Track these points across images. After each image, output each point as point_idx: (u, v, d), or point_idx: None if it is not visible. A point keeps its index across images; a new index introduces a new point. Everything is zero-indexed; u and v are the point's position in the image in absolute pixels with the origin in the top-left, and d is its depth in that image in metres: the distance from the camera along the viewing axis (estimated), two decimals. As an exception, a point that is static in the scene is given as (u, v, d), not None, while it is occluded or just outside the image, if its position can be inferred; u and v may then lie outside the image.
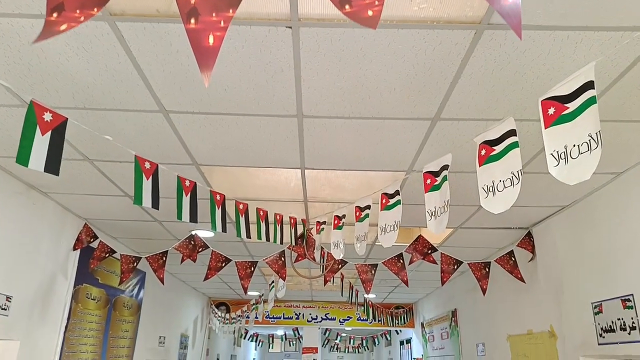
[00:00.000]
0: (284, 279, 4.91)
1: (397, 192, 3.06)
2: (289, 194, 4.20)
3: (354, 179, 3.82)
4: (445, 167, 2.59)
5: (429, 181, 2.71)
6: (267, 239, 3.88)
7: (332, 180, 3.88)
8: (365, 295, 8.99)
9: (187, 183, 3.11)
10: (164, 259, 4.89)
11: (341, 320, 11.02)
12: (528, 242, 4.92)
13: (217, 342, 12.72)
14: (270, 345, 21.74)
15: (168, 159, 3.42)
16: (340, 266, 4.96)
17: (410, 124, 2.86)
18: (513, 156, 2.08)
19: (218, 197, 3.25)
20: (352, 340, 16.78)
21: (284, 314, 11.02)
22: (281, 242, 4.23)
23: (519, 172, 2.03)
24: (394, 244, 5.86)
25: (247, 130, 2.99)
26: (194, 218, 3.08)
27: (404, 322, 10.94)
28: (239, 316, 9.06)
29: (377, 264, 4.95)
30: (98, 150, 3.35)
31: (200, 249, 4.86)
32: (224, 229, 3.25)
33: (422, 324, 10.09)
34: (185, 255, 4.85)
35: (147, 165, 2.67)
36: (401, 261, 4.92)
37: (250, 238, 3.60)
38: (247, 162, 3.47)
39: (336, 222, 3.97)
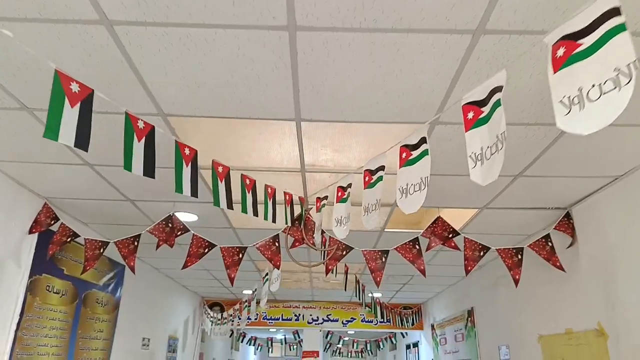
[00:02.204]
0: (278, 268, 4.16)
1: (422, 141, 2.30)
2: (283, 160, 3.44)
3: (363, 136, 3.06)
4: (497, 90, 1.84)
5: (471, 114, 1.95)
6: (255, 213, 3.12)
7: (335, 140, 3.12)
8: (372, 294, 8.21)
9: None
10: (136, 244, 4.13)
11: (344, 322, 10.22)
12: (567, 224, 4.15)
13: (212, 345, 11.92)
14: (270, 350, 20.92)
15: (125, 104, 2.66)
16: (344, 252, 4.19)
17: (443, 42, 2.10)
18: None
19: (187, 152, 2.49)
20: (355, 344, 15.94)
21: (282, 315, 10.23)
22: (273, 220, 3.47)
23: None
24: (405, 231, 5.11)
25: (223, 57, 2.24)
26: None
27: (413, 324, 10.14)
28: (231, 315, 8.28)
29: (388, 250, 4.18)
30: (37, 95, 2.60)
31: (179, 233, 4.10)
32: (193, 192, 2.49)
33: (433, 326, 9.30)
34: (161, 239, 4.09)
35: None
36: (417, 247, 4.15)
37: (231, 209, 2.85)
38: (226, 110, 2.71)
39: (340, 194, 3.21)
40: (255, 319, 10.14)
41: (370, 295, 8.33)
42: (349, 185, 3.13)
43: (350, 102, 2.59)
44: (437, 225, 4.10)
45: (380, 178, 2.70)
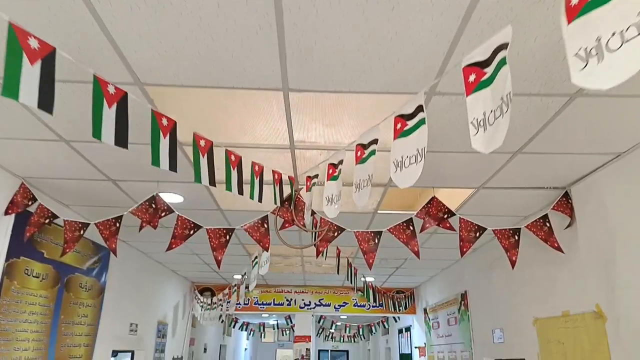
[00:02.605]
0: (267, 250, 4.00)
1: (419, 109, 2.13)
2: (270, 136, 3.26)
3: (355, 110, 2.88)
4: (501, 48, 1.67)
5: (473, 77, 1.78)
6: (240, 191, 2.95)
7: (326, 113, 2.94)
8: (364, 278, 8.11)
9: (165, 122, 2.31)
10: (118, 225, 3.95)
11: (336, 307, 10.14)
12: (565, 204, 4.03)
13: (203, 331, 11.82)
14: (262, 335, 20.92)
15: (99, 71, 2.46)
16: (335, 234, 4.04)
17: (442, -1, 1.92)
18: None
19: (165, 122, 2.30)
20: (347, 329, 15.92)
21: (274, 299, 10.13)
22: (259, 200, 3.30)
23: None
24: (399, 212, 4.96)
25: (201, 16, 2.04)
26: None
27: (405, 308, 10.08)
28: (221, 300, 8.14)
29: (381, 232, 4.03)
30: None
31: (163, 214, 3.92)
32: (172, 166, 2.31)
33: (425, 310, 9.24)
34: (144, 220, 3.91)
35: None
36: (411, 228, 4.01)
37: (214, 186, 2.67)
38: (208, 79, 2.52)
39: (331, 171, 3.05)
40: (247, 304, 10.03)
41: (362, 279, 8.23)
42: (340, 162, 2.96)
43: (341, 69, 2.41)
44: (432, 206, 3.96)
45: (372, 152, 2.54)
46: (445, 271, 8.01)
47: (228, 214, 4.99)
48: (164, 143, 2.29)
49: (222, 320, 12.93)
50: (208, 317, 8.58)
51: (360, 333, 15.64)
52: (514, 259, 3.94)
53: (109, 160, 3.65)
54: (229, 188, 2.87)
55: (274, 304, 10.10)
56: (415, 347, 10.01)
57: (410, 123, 2.14)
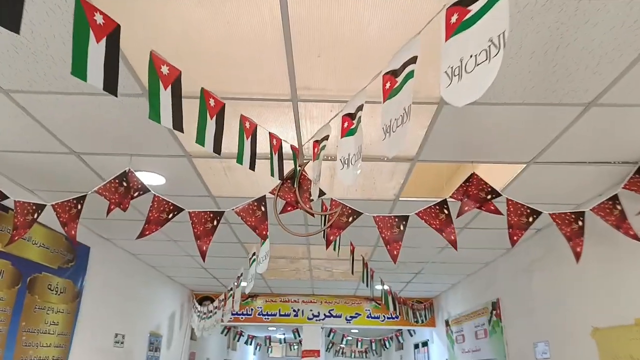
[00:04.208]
0: (264, 239, 3.20)
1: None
2: (262, 67, 2.49)
3: (372, 30, 2.11)
4: None
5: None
6: (217, 148, 2.17)
7: (339, 37, 2.17)
8: (382, 286, 7.25)
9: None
10: (79, 207, 3.18)
11: (348, 318, 9.25)
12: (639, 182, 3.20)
13: (205, 344, 10.96)
14: (269, 349, 19.95)
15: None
16: (349, 219, 3.23)
17: None
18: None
19: (99, 19, 1.55)
20: (359, 343, 14.93)
21: (279, 310, 9.27)
22: (252, 166, 2.52)
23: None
24: (426, 199, 4.15)
25: None
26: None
27: (426, 320, 9.16)
28: (216, 308, 7.30)
29: (407, 216, 3.22)
30: None
31: (135, 194, 3.15)
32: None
33: (447, 322, 8.32)
34: (112, 202, 3.14)
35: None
36: (446, 212, 3.19)
37: (181, 131, 1.90)
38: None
39: (346, 124, 2.27)
40: (250, 314, 9.18)
41: (380, 287, 7.36)
42: (360, 109, 2.18)
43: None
44: (471, 184, 3.15)
45: (408, 77, 1.80)
46: (471, 277, 7.13)
47: (221, 201, 4.21)
48: (94, 49, 1.55)
49: (226, 333, 12.06)
50: (203, 327, 7.74)
51: (373, 348, 14.64)
52: (578, 250, 3.10)
53: (68, 123, 2.90)
54: (201, 141, 2.10)
55: (280, 315, 9.24)
56: (435, 364, 9.07)
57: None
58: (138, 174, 3.49)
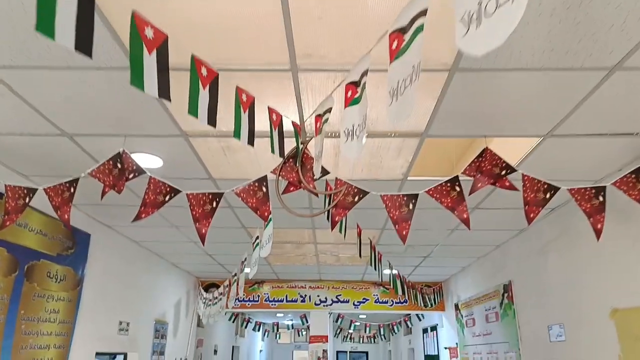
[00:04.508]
0: (266, 220, 3.05)
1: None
2: (259, 34, 2.31)
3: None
4: None
5: None
6: (211, 120, 2.00)
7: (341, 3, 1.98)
8: (391, 270, 7.10)
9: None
10: (72, 190, 3.03)
11: (356, 303, 9.14)
12: (664, 155, 3.00)
13: (213, 331, 10.93)
14: (277, 336, 19.99)
15: None
16: (355, 199, 3.07)
17: None
18: None
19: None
20: (367, 329, 14.87)
21: (287, 296, 9.17)
22: (250, 142, 2.36)
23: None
24: (435, 178, 3.97)
25: None
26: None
27: (435, 304, 9.03)
28: (221, 294, 7.20)
29: (416, 195, 3.05)
30: None
31: (130, 175, 3.00)
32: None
33: (457, 305, 8.19)
34: (107, 184, 3.00)
35: None
36: (457, 189, 3.02)
37: (169, 100, 1.73)
38: None
39: (350, 93, 2.09)
40: (257, 300, 9.10)
41: (388, 272, 7.22)
42: (364, 74, 1.99)
43: None
44: (484, 159, 2.97)
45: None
46: (481, 260, 6.97)
47: (222, 184, 4.06)
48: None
49: (233, 320, 12.02)
50: (209, 314, 7.65)
51: (381, 333, 14.57)
52: (599, 226, 2.92)
53: (56, 101, 2.74)
54: (193, 112, 1.92)
55: (287, 301, 9.15)
56: (445, 348, 8.96)
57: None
58: (134, 156, 3.34)
